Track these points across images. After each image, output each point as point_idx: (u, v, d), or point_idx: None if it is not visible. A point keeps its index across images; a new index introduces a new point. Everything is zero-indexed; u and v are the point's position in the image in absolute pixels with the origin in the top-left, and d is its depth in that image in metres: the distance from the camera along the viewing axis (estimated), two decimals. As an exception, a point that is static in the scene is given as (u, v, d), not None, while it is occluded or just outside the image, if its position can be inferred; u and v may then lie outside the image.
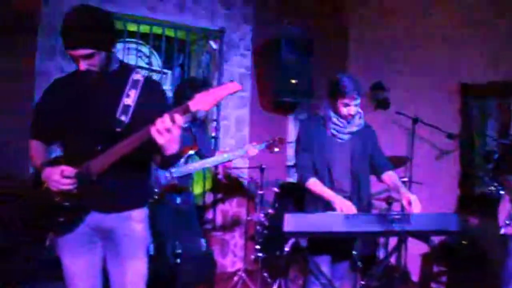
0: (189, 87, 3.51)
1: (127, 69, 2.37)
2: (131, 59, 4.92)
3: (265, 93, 5.25)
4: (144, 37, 4.94)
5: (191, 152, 3.65)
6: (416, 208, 2.95)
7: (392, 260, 4.82)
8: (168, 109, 2.18)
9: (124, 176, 2.26)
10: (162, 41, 4.84)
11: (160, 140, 1.99)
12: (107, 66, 2.24)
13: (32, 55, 4.27)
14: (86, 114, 2.25)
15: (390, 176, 3.28)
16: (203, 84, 3.59)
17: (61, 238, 2.32)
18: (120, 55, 4.80)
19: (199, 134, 3.77)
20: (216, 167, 4.85)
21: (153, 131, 1.98)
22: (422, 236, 3.22)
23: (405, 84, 5.20)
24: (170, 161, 2.28)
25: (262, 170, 4.48)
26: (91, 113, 2.25)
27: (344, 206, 3.01)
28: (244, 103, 5.21)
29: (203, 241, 4.45)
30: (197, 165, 3.68)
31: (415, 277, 4.94)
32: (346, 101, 3.11)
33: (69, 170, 2.17)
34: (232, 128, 5.18)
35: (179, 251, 3.81)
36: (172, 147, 2.08)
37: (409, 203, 2.97)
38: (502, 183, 3.21)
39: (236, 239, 5.23)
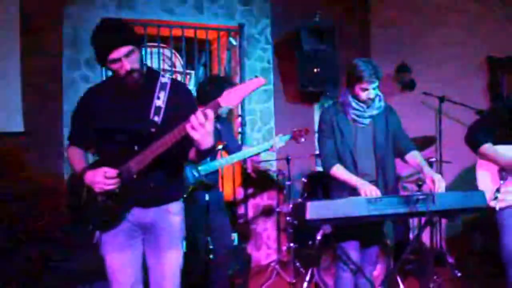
0: (210, 85, 3.58)
1: (154, 73, 2.54)
2: (154, 63, 5.03)
3: (289, 84, 5.27)
4: (165, 40, 5.04)
5: (218, 147, 3.73)
6: (440, 187, 2.91)
7: (427, 242, 4.77)
8: (195, 107, 2.35)
9: (161, 172, 2.42)
10: (182, 43, 4.92)
11: (195, 135, 2.10)
12: (142, 66, 2.39)
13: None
14: (123, 117, 2.40)
15: (414, 157, 3.24)
16: (224, 81, 3.66)
17: (105, 235, 2.46)
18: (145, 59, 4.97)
19: (224, 130, 3.83)
20: (244, 162, 4.92)
21: (188, 127, 2.10)
22: (448, 215, 3.17)
23: (431, 63, 5.11)
24: (205, 155, 2.38)
25: (288, 161, 4.50)
26: (127, 115, 2.40)
27: (368, 190, 3.00)
28: (268, 96, 5.24)
29: (234, 236, 4.53)
30: (223, 161, 3.74)
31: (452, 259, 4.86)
32: (364, 85, 3.10)
33: (111, 171, 2.32)
34: (258, 122, 5.22)
35: (211, 247, 3.89)
36: (206, 141, 2.17)
37: (433, 182, 2.94)
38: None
39: (269, 231, 5.28)
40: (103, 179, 2.31)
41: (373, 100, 3.20)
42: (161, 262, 2.49)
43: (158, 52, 4.98)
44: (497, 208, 2.88)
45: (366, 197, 2.90)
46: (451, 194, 2.89)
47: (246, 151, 3.81)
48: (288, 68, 5.13)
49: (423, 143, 4.40)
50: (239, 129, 5.12)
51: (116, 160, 2.35)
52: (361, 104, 3.19)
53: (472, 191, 2.94)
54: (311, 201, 2.80)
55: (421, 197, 2.80)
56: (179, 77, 5.32)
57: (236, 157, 3.76)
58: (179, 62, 5.50)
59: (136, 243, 2.51)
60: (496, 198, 2.90)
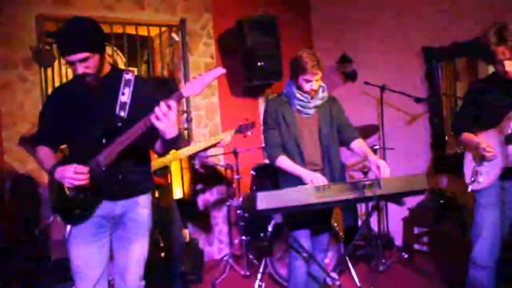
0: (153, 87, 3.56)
1: (118, 70, 2.64)
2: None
3: (233, 79, 5.26)
4: (107, 38, 4.90)
5: None
6: (385, 172, 3.01)
7: (375, 228, 4.94)
8: (158, 100, 2.41)
9: (129, 165, 2.54)
10: (124, 40, 4.81)
11: (160, 125, 2.21)
12: (101, 68, 2.46)
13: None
14: (89, 114, 2.51)
15: (358, 145, 3.33)
16: (166, 82, 3.66)
17: (74, 228, 2.52)
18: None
19: None
20: (193, 158, 4.89)
21: (153, 118, 2.21)
22: (394, 198, 3.29)
23: (372, 54, 5.27)
24: (171, 145, 2.44)
25: (236, 154, 4.52)
26: (93, 112, 2.51)
27: (314, 178, 3.06)
28: (212, 92, 5.22)
29: (186, 232, 4.51)
30: (170, 157, 3.70)
31: (398, 242, 5.04)
32: (307, 77, 3.15)
33: (81, 167, 2.37)
34: (204, 118, 5.19)
35: (161, 244, 3.85)
36: (171, 131, 2.27)
37: (378, 168, 3.04)
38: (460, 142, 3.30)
39: (220, 226, 5.27)
40: (72, 174, 2.36)
41: (316, 91, 3.26)
42: (127, 254, 2.59)
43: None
44: (469, 190, 3.05)
45: (314, 185, 2.96)
46: (395, 178, 2.99)
47: (194, 146, 3.79)
48: (232, 62, 5.12)
49: (366, 132, 4.52)
50: (185, 125, 5.07)
51: (86, 155, 2.44)
52: (305, 95, 3.25)
53: (414, 175, 3.06)
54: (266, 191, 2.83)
55: (367, 182, 2.87)
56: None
57: (184, 152, 3.73)
58: (120, 60, 5.38)
59: (104, 237, 2.58)
60: (472, 181, 3.04)
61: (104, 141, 2.43)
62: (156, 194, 3.73)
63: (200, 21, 5.17)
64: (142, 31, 4.96)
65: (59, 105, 2.58)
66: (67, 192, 2.47)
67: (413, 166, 4.80)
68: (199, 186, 5.16)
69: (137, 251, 2.61)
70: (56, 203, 2.58)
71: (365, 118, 4.97)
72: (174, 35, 4.99)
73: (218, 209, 5.26)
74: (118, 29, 4.73)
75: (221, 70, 2.25)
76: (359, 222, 5.06)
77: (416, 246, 4.92)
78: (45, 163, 2.57)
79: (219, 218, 5.28)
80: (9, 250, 3.81)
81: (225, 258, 4.70)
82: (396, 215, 4.95)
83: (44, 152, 2.63)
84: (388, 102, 4.93)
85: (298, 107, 3.28)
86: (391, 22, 5.08)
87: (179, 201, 4.90)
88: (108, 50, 5.18)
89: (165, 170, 3.78)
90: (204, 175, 5.13)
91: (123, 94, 2.52)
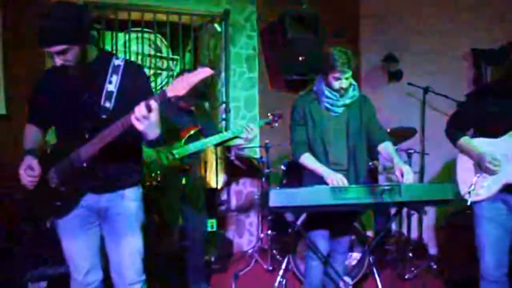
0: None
1: (107, 56, 2.44)
2: (140, 48, 5.01)
3: (274, 72, 5.23)
4: (150, 25, 5.00)
5: (190, 132, 3.72)
6: (408, 178, 2.90)
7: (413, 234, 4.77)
8: (149, 91, 2.37)
9: (114, 158, 2.40)
10: (167, 28, 4.89)
11: (139, 126, 2.11)
12: (83, 58, 2.29)
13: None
14: (73, 104, 2.36)
15: (385, 147, 3.22)
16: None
17: (60, 220, 2.47)
18: (129, 44, 4.94)
19: (198, 115, 3.83)
20: (228, 149, 4.92)
21: (133, 119, 2.11)
22: (415, 206, 3.16)
23: (418, 54, 5.06)
24: (153, 145, 2.39)
25: (267, 148, 4.49)
26: (77, 103, 2.35)
27: (334, 178, 3.00)
28: (252, 84, 5.22)
29: (213, 222, 4.54)
30: (198, 144, 3.72)
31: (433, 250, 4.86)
32: (336, 75, 3.08)
33: (33, 170, 2.34)
34: (242, 109, 5.20)
35: (186, 231, 3.89)
36: (152, 133, 2.20)
37: (401, 173, 2.93)
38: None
39: (251, 218, 5.28)
40: (23, 171, 2.35)
41: (346, 89, 3.18)
42: (119, 249, 2.49)
43: (142, 37, 4.94)
44: (468, 203, 2.87)
45: (332, 186, 2.90)
46: (418, 185, 2.89)
47: (219, 136, 3.77)
48: (273, 55, 5.08)
49: (405, 134, 4.37)
50: (223, 116, 5.10)
51: (68, 146, 2.37)
52: (334, 93, 3.17)
53: (441, 184, 2.93)
54: (281, 188, 2.80)
55: (387, 188, 2.78)
56: (165, 63, 5.30)
57: (210, 141, 3.73)
58: (165, 48, 5.46)
59: (92, 228, 2.52)
60: (469, 192, 2.88)
61: (87, 134, 2.33)
62: (183, 181, 3.79)
63: (244, 13, 5.16)
64: (186, 20, 5.01)
65: (47, 89, 2.45)
66: (50, 182, 2.41)
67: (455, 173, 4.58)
68: (233, 177, 5.18)
69: (129, 245, 2.50)
70: (38, 195, 2.47)
71: (406, 120, 4.79)
72: (216, 25, 5.01)
73: (250, 201, 5.26)
74: (161, 18, 4.81)
75: (208, 71, 2.11)
76: (393, 226, 4.92)
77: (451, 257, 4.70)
78: (25, 144, 2.49)
79: (251, 210, 5.28)
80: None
81: (251, 251, 4.70)
82: (432, 222, 4.76)
83: (29, 131, 2.55)
84: (432, 105, 4.73)
85: (327, 104, 3.21)
86: (440, 21, 4.85)
87: (212, 190, 4.99)
88: (152, 37, 5.32)
89: (194, 158, 3.80)
90: (238, 166, 5.14)
91: (110, 82, 2.36)
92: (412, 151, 4.32)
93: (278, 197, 2.71)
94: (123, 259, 2.50)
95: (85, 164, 2.34)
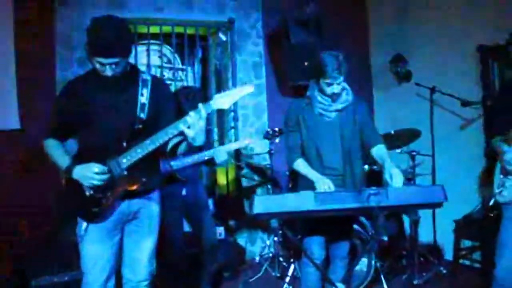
0: (183, 97, 3.66)
1: (136, 70, 2.65)
2: (150, 60, 5.11)
3: (280, 78, 5.23)
4: (156, 37, 5.09)
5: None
6: (397, 182, 2.85)
7: (423, 238, 4.66)
8: (174, 102, 2.65)
9: (147, 164, 2.54)
10: (173, 39, 4.97)
11: (190, 133, 2.36)
12: (125, 70, 2.48)
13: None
14: (110, 113, 2.50)
15: (378, 150, 3.17)
16: (197, 93, 3.74)
17: (92, 225, 2.55)
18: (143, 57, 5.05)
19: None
20: (237, 158, 4.96)
21: (183, 126, 2.36)
22: (403, 210, 3.08)
23: (426, 53, 4.96)
24: (196, 151, 2.72)
25: (270, 155, 4.49)
26: (114, 112, 2.50)
27: (322, 184, 2.98)
28: (260, 91, 5.23)
29: (220, 230, 4.57)
30: (196, 157, 3.77)
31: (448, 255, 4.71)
32: (328, 80, 3.07)
33: (101, 168, 2.44)
34: (251, 117, 5.22)
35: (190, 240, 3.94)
36: (199, 139, 2.41)
37: (390, 177, 2.87)
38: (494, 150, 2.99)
39: (264, 225, 5.27)
40: (93, 174, 2.41)
41: (338, 94, 3.15)
42: (139, 247, 2.65)
43: (148, 49, 5.04)
44: (491, 202, 2.84)
45: (316, 191, 2.87)
46: (406, 189, 2.81)
47: (217, 150, 3.81)
48: (278, 61, 5.09)
49: (410, 135, 4.28)
50: (232, 124, 5.14)
51: (103, 154, 2.47)
52: (326, 98, 3.16)
53: (430, 186, 2.86)
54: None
55: (373, 191, 2.74)
56: (176, 74, 5.38)
57: (207, 154, 3.77)
58: (174, 58, 5.55)
59: (117, 234, 2.63)
60: (499, 192, 2.82)
61: (124, 143, 2.47)
62: (184, 192, 3.83)
63: (249, 21, 5.19)
64: (191, 31, 5.08)
65: (73, 99, 2.53)
66: (86, 191, 2.50)
67: (464, 175, 4.46)
68: (244, 184, 5.20)
69: (148, 245, 2.67)
70: (75, 201, 2.57)
71: (415, 120, 4.68)
72: (221, 35, 5.06)
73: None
74: (167, 29, 4.90)
75: (250, 89, 2.42)
76: (408, 230, 4.81)
77: (465, 263, 4.55)
78: (59, 159, 2.56)
79: (262, 217, 5.27)
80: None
81: (256, 259, 4.70)
82: (448, 225, 4.62)
83: (55, 146, 2.61)
84: (440, 105, 4.62)
85: (320, 110, 3.20)
86: (447, 19, 4.74)
87: (223, 197, 5.03)
88: (165, 50, 5.42)
89: (195, 168, 3.85)
90: (248, 173, 5.16)
91: (142, 95, 2.55)
92: (414, 153, 4.22)
93: (262, 204, 2.71)
94: (141, 257, 2.66)
95: (125, 172, 2.47)
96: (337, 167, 3.19)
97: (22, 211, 4.18)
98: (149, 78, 2.60)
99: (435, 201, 2.77)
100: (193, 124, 2.34)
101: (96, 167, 2.42)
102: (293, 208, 2.73)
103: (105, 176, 2.44)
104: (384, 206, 2.73)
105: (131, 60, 2.39)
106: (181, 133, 2.41)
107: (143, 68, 5.07)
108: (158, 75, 5.06)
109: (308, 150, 3.21)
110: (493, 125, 3.02)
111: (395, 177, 2.86)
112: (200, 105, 2.38)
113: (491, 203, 2.81)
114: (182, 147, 2.60)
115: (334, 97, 3.14)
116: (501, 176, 2.85)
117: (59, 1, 4.59)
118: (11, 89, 4.39)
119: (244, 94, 2.43)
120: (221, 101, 2.39)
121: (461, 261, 4.55)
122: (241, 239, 5.16)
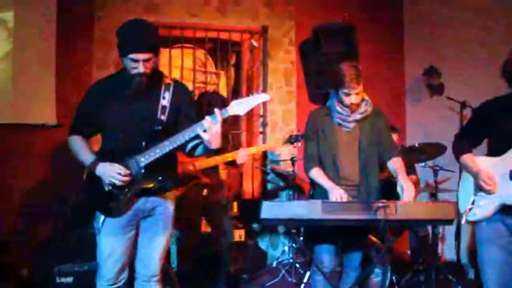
0: (207, 102, 3.78)
1: (159, 74, 2.74)
2: (185, 63, 5.26)
3: (311, 86, 5.25)
4: (190, 41, 5.23)
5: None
6: (408, 195, 2.84)
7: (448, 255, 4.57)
8: (195, 106, 2.74)
9: (164, 164, 2.63)
10: (205, 43, 5.09)
11: (206, 136, 2.44)
12: (153, 69, 2.60)
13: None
14: (131, 114, 2.60)
15: (394, 163, 3.17)
16: (220, 100, 3.87)
17: (109, 219, 2.65)
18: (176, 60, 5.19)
19: None
20: (263, 164, 5.03)
21: (199, 130, 2.45)
22: (411, 225, 3.05)
23: (459, 67, 4.87)
24: (212, 154, 2.76)
25: (293, 162, 4.53)
26: (136, 113, 2.61)
27: (335, 193, 2.99)
28: (290, 98, 5.28)
29: (239, 232, 4.64)
30: (219, 158, 3.85)
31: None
32: (346, 90, 3.09)
33: (125, 170, 2.55)
34: (279, 123, 5.27)
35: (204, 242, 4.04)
36: (216, 142, 2.49)
37: (403, 191, 2.87)
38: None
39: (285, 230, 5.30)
40: (115, 174, 2.53)
41: (358, 104, 3.17)
42: (153, 243, 2.73)
43: (182, 52, 5.18)
44: (463, 221, 2.74)
45: (324, 200, 2.88)
46: (414, 204, 2.79)
47: (229, 155, 3.90)
48: (310, 69, 5.12)
49: (436, 150, 4.22)
50: (260, 129, 5.21)
51: (122, 153, 2.59)
52: (345, 109, 3.17)
53: (441, 203, 2.82)
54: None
55: (382, 204, 2.74)
56: (208, 77, 5.51)
57: (219, 159, 3.87)
58: (209, 64, 5.66)
59: (132, 229, 2.71)
60: (466, 211, 2.75)
61: (144, 143, 2.57)
62: (204, 192, 3.94)
63: (282, 28, 5.25)
64: (225, 36, 5.19)
65: (99, 98, 2.65)
66: (105, 186, 2.60)
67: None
68: (268, 189, 5.25)
69: (162, 242, 2.74)
70: (94, 196, 2.68)
71: (445, 135, 4.59)
72: (253, 41, 5.14)
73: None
74: (201, 34, 5.02)
75: (267, 97, 2.54)
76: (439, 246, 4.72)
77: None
78: (83, 155, 2.67)
79: (285, 223, 5.30)
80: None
81: (274, 264, 4.74)
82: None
83: (79, 142, 2.71)
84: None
85: (338, 120, 3.22)
86: (483, 34, 4.64)
87: (248, 201, 5.10)
88: (199, 54, 5.55)
89: (212, 170, 3.95)
90: (274, 178, 5.21)
91: (163, 98, 2.64)
92: (437, 168, 4.14)
93: (269, 209, 2.76)
94: (155, 253, 2.74)
95: (143, 171, 2.57)
96: (353, 178, 3.20)
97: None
98: (171, 82, 2.71)
99: (444, 218, 2.74)
100: (209, 128, 2.42)
101: (119, 168, 2.53)
102: (299, 216, 2.76)
103: (126, 178, 2.54)
104: (392, 220, 2.73)
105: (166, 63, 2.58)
106: (198, 136, 2.49)
107: (176, 70, 5.24)
108: (191, 78, 5.19)
109: (325, 160, 3.22)
110: None
111: (406, 191, 2.85)
112: (216, 110, 2.47)
113: (462, 221, 2.72)
114: (199, 150, 2.68)
115: (353, 107, 3.15)
116: (475, 194, 2.74)
117: (97, 8, 4.80)
118: (50, 86, 4.65)
119: (260, 102, 2.53)
120: (237, 107, 2.48)
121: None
122: (263, 243, 5.21)
